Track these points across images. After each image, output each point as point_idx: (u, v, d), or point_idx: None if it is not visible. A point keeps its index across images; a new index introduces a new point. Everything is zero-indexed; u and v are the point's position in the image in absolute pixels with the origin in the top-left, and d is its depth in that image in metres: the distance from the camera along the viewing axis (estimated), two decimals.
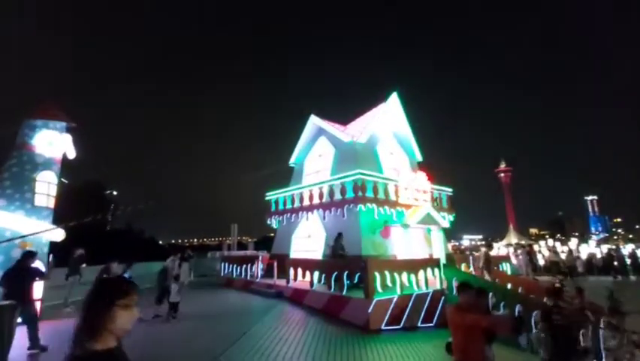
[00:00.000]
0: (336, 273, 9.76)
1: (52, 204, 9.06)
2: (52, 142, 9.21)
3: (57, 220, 9.23)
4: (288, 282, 11.54)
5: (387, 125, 16.42)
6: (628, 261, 19.08)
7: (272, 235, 18.49)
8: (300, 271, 11.51)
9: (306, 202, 14.59)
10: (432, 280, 9.91)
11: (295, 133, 18.33)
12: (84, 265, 11.08)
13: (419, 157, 17.33)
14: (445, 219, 14.75)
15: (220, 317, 9.21)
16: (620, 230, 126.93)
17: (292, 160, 18.13)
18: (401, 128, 17.01)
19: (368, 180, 12.61)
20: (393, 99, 16.37)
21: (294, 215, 15.31)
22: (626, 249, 24.29)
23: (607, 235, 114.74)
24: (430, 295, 9.21)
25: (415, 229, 13.36)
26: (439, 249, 13.71)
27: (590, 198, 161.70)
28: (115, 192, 79.48)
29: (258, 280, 13.95)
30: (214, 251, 23.45)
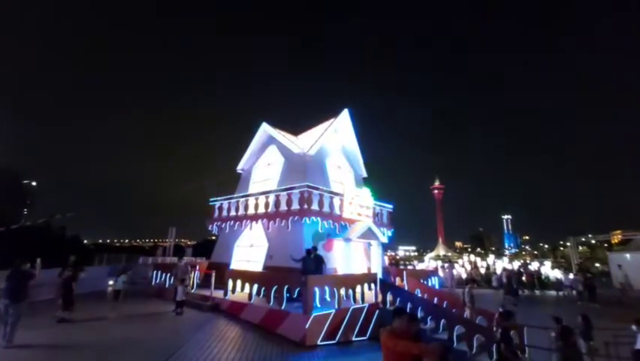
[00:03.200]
0: (276, 287, 9.70)
1: None
2: None
3: None
4: (225, 294, 11.14)
5: (336, 139, 16.92)
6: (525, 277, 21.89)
7: (214, 237, 17.66)
8: (239, 283, 11.18)
9: (251, 211, 14.32)
10: (368, 294, 10.38)
11: (242, 139, 17.97)
12: None
13: (364, 173, 18.11)
14: (385, 235, 15.58)
15: (146, 333, 8.51)
16: (527, 247, 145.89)
17: (240, 166, 17.69)
18: (349, 143, 17.66)
19: (315, 192, 12.83)
20: (344, 115, 16.96)
21: (237, 223, 14.89)
22: (532, 266, 28.07)
23: (517, 250, 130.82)
24: (366, 309, 9.63)
25: (356, 243, 13.88)
26: (377, 263, 14.40)
27: (505, 217, 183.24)
28: (34, 183, 69.10)
29: (192, 290, 13.21)
30: (146, 256, 21.65)
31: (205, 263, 16.78)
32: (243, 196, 15.17)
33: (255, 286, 10.42)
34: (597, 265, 28.77)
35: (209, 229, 16.33)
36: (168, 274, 14.64)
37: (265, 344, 7.85)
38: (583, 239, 32.16)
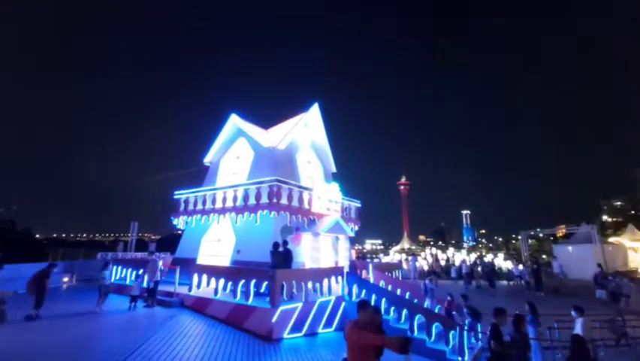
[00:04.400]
0: (243, 281, 9.65)
1: None
2: None
3: None
4: (190, 289, 10.88)
5: (306, 134, 16.93)
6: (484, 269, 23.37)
7: (179, 232, 17.05)
8: (205, 278, 10.96)
9: (219, 204, 14.02)
10: (335, 287, 10.63)
11: (210, 130, 17.47)
12: None
13: (333, 168, 18.32)
14: (352, 229, 15.94)
15: (103, 332, 8.14)
16: (483, 240, 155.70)
17: (207, 159, 17.17)
18: (319, 138, 17.75)
19: (284, 187, 12.82)
20: (314, 110, 16.99)
21: (204, 217, 14.52)
22: (487, 257, 30.02)
23: (474, 243, 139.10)
24: (333, 301, 9.87)
25: (324, 237, 14.10)
26: (344, 257, 14.73)
27: (465, 212, 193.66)
28: None
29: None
30: (105, 252, 20.46)
31: (169, 258, 16.24)
32: (210, 190, 14.80)
33: (222, 281, 10.28)
34: (544, 256, 31.39)
35: (175, 222, 15.79)
36: (129, 270, 13.99)
37: (231, 339, 7.82)
38: (532, 233, 34.93)
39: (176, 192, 15.80)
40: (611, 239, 28.94)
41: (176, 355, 6.54)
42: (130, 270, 14.00)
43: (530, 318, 8.35)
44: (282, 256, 10.26)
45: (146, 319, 9.44)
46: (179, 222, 15.60)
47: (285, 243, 10.88)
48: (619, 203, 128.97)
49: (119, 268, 14.48)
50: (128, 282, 13.57)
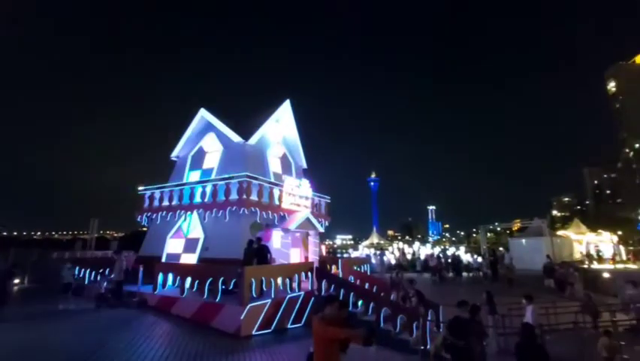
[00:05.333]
0: (211, 279, 9.49)
1: None
2: None
3: None
4: (155, 289, 10.51)
5: (277, 130, 16.80)
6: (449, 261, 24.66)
7: (145, 229, 16.36)
8: (170, 276, 10.64)
9: (186, 201, 13.62)
10: (305, 282, 10.75)
11: (178, 124, 16.84)
12: None
13: (304, 164, 18.36)
14: (322, 225, 16.11)
15: (65, 333, 7.70)
16: (447, 234, 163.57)
17: (174, 153, 16.53)
18: (291, 134, 17.68)
19: (254, 183, 12.70)
20: (286, 105, 16.90)
21: (170, 214, 14.03)
22: (450, 251, 31.59)
23: (439, 237, 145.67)
24: (302, 297, 9.98)
25: (294, 232, 14.15)
26: (313, 252, 14.88)
27: (430, 207, 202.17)
28: None
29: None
30: (62, 251, 19.16)
31: (133, 257, 15.54)
32: (177, 185, 14.32)
33: (189, 280, 10.04)
34: (501, 248, 33.57)
35: (139, 219, 15.12)
36: (89, 270, 13.25)
37: (197, 337, 7.69)
38: (490, 227, 37.28)
39: (140, 188, 15.13)
40: (560, 232, 31.48)
41: (140, 355, 6.34)
42: (90, 270, 13.27)
43: (487, 306, 8.97)
44: (255, 253, 10.21)
45: (109, 319, 9.04)
46: (144, 218, 14.98)
47: (260, 239, 10.83)
48: (567, 199, 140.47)
49: (78, 268, 13.67)
50: (87, 282, 12.87)
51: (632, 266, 23.85)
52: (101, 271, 12.73)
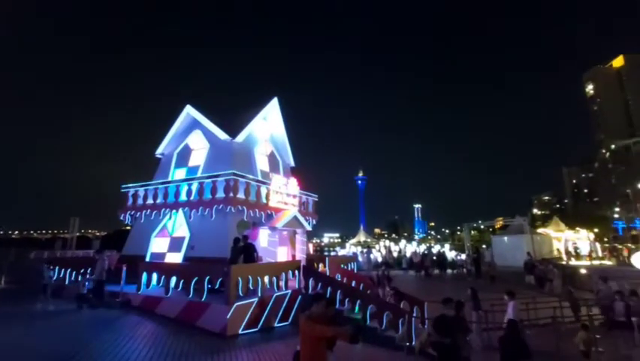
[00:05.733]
0: (196, 278, 9.37)
1: None
2: None
3: None
4: (138, 289, 10.30)
5: (265, 128, 16.68)
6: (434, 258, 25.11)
7: (128, 227, 15.99)
8: (155, 276, 10.44)
9: (171, 199, 13.38)
10: (292, 281, 10.74)
11: (163, 121, 16.50)
12: None
13: (292, 163, 18.30)
14: (310, 223, 16.12)
15: (46, 334, 7.46)
16: (432, 232, 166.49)
17: (159, 150, 16.18)
18: (278, 132, 17.59)
19: (241, 181, 12.58)
20: (274, 103, 16.79)
21: (155, 212, 13.76)
22: (435, 248, 32.15)
23: (424, 235, 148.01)
24: (289, 295, 9.97)
25: (282, 231, 14.11)
26: (301, 251, 14.87)
27: (416, 205, 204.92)
28: None
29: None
30: (41, 250, 18.53)
31: (116, 256, 15.18)
32: (162, 183, 14.05)
33: (174, 279, 9.88)
34: (484, 246, 34.40)
35: (122, 218, 14.77)
36: (70, 270, 12.86)
37: (182, 337, 7.58)
38: (474, 225, 38.14)
39: (123, 186, 14.77)
40: (540, 230, 32.45)
41: (122, 356, 6.21)
42: (70, 270, 12.88)
43: (472, 302, 9.17)
44: (241, 251, 10.13)
45: (90, 320, 8.84)
46: (127, 217, 14.64)
47: (246, 238, 10.74)
48: (547, 198, 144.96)
49: (58, 268, 13.24)
50: (67, 282, 12.50)
51: (607, 262, 24.86)
52: (82, 271, 12.36)
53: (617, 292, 10.25)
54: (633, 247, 31.00)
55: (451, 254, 28.13)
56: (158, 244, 13.79)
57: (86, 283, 11.09)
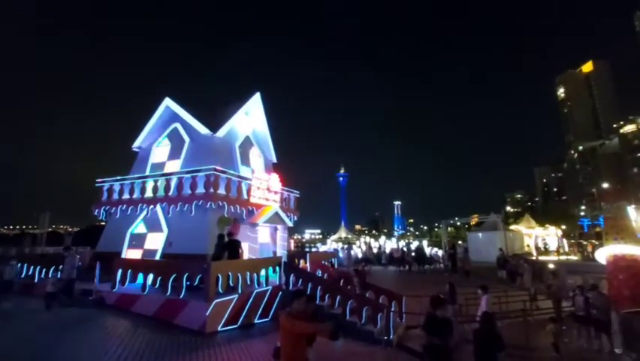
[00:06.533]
0: (174, 275, 9.18)
1: None
2: None
3: None
4: (113, 286, 9.98)
5: (247, 123, 16.46)
6: (413, 254, 25.72)
7: (102, 223, 15.41)
8: (131, 273, 10.14)
9: (149, 194, 13.01)
10: (273, 277, 10.73)
11: (139, 113, 15.97)
12: None
13: (274, 159, 18.18)
14: (291, 219, 16.11)
15: (11, 335, 7.10)
16: (411, 228, 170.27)
17: (136, 144, 15.62)
18: (260, 128, 17.40)
19: (222, 176, 12.39)
20: (256, 99, 16.58)
21: (131, 207, 13.33)
22: (414, 244, 32.90)
23: (404, 232, 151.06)
24: (269, 292, 9.95)
25: (263, 227, 14.03)
26: (282, 247, 14.86)
27: (396, 202, 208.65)
28: None
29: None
30: (8, 246, 17.56)
31: (89, 253, 14.65)
32: (139, 178, 13.62)
33: (151, 276, 9.65)
34: (460, 242, 35.52)
35: (96, 213, 14.21)
36: (39, 267, 12.28)
37: (159, 335, 7.44)
38: (451, 221, 39.30)
39: (97, 180, 14.21)
40: (512, 226, 33.85)
41: (95, 356, 6.02)
42: (39, 267, 12.30)
43: (449, 296, 9.48)
44: (224, 248, 10.03)
45: (61, 320, 8.48)
46: (102, 212, 14.11)
47: (231, 233, 10.62)
48: (519, 196, 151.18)
49: (27, 265, 12.61)
50: (36, 280, 11.94)
51: (573, 258, 26.28)
52: (53, 268, 11.84)
53: (577, 286, 10.79)
54: (597, 243, 32.84)
55: (428, 250, 28.89)
56: (133, 241, 13.36)
57: (54, 282, 10.62)
